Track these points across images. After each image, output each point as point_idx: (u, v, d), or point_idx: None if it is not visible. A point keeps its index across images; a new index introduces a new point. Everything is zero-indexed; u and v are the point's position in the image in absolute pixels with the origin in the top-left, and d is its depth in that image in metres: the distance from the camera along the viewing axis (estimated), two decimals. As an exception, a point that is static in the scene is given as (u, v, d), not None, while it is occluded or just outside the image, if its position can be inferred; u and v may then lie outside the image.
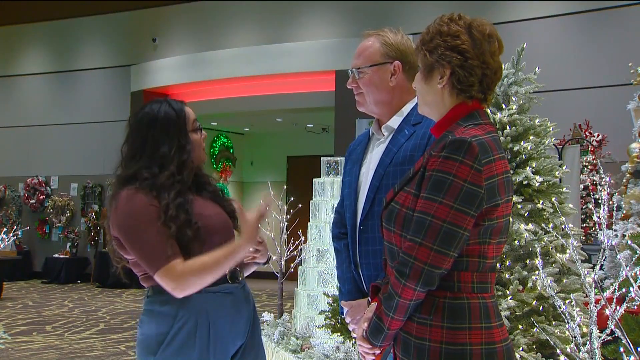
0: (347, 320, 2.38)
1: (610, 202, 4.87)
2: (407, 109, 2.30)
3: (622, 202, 5.17)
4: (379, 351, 1.78)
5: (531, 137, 3.70)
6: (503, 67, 1.89)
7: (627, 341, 2.67)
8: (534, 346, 3.36)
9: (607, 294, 2.78)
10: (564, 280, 3.51)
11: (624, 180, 5.34)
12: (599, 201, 3.06)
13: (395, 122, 2.30)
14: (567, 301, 3.18)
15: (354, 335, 2.40)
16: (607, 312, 2.72)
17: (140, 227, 2.06)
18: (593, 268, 3.32)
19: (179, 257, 2.05)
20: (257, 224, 2.14)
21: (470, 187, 1.64)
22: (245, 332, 2.21)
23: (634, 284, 2.68)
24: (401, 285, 1.65)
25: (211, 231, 2.15)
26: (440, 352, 1.65)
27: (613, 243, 4.56)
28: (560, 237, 3.46)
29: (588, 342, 2.76)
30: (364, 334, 1.78)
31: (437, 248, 1.62)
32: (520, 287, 3.43)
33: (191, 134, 2.23)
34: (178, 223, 2.06)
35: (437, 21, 1.82)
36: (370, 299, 1.93)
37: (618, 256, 3.38)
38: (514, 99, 3.80)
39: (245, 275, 2.33)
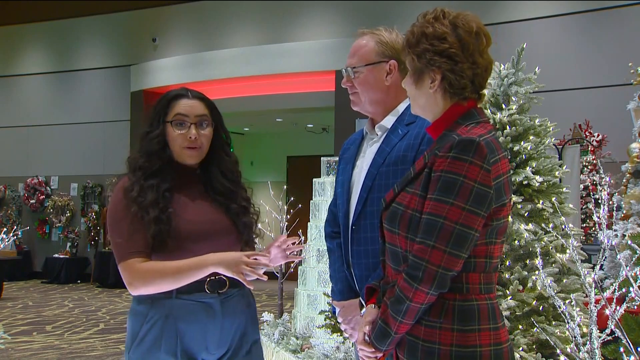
0: (339, 320, 2.36)
1: (610, 202, 4.86)
2: (401, 108, 2.28)
3: (622, 202, 5.17)
4: (381, 354, 1.75)
5: (531, 137, 3.69)
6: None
7: (627, 341, 2.67)
8: (534, 346, 3.36)
9: (607, 294, 2.78)
10: (564, 280, 3.51)
11: (624, 180, 5.34)
12: (599, 201, 3.06)
13: (389, 121, 2.27)
14: (567, 301, 3.18)
15: (345, 335, 2.37)
16: (607, 312, 2.71)
17: (115, 218, 2.10)
18: (593, 268, 3.32)
19: (142, 256, 2.05)
20: (248, 258, 2.03)
21: (481, 188, 1.62)
22: (226, 343, 2.14)
23: (634, 284, 2.68)
24: (413, 289, 1.62)
25: (190, 237, 2.09)
26: (451, 354, 1.64)
27: (613, 243, 4.56)
28: (560, 237, 3.46)
29: (588, 342, 2.76)
30: (366, 337, 1.75)
31: (450, 250, 1.60)
32: (520, 287, 3.43)
33: (169, 125, 2.15)
34: (141, 203, 2.06)
35: (420, 20, 1.75)
36: (365, 301, 1.90)
37: (618, 256, 3.37)
38: (514, 99, 3.80)
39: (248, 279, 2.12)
